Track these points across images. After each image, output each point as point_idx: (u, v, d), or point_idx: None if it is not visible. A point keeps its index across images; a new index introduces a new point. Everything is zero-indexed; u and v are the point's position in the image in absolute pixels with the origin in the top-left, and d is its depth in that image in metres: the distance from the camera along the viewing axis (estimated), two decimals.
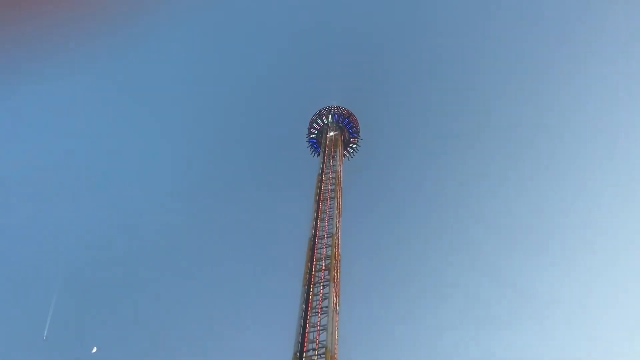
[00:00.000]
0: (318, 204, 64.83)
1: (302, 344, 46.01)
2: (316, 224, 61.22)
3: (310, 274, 54.05)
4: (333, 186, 68.78)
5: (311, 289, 52.07)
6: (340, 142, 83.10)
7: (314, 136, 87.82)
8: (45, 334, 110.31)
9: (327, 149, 79.97)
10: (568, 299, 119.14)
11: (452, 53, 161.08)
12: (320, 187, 68.32)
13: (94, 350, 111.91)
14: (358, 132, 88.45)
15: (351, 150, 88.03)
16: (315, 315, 49.64)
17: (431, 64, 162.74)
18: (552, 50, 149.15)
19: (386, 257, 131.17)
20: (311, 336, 47.42)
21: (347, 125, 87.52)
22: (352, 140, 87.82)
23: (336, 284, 54.03)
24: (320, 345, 46.31)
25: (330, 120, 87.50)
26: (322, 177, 71.14)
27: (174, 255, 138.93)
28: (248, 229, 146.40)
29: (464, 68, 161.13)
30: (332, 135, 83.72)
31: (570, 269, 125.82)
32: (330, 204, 65.05)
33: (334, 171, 72.38)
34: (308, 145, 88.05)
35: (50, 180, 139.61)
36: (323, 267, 55.24)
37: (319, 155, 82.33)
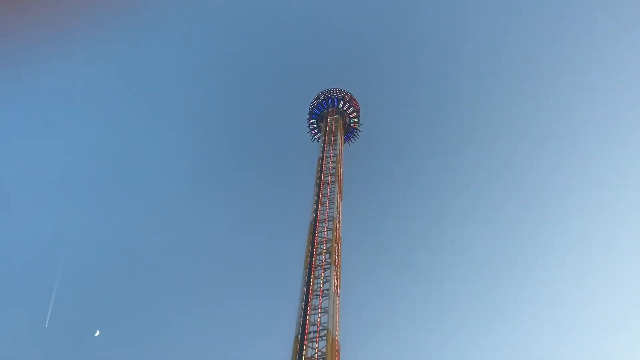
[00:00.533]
0: (319, 188, 65.01)
1: (303, 326, 46.51)
2: (317, 207, 61.45)
3: (311, 257, 54.43)
4: (334, 170, 68.87)
5: (312, 272, 52.48)
6: (340, 127, 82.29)
7: (314, 121, 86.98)
8: (46, 323, 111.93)
9: (327, 133, 79.85)
10: (568, 298, 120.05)
11: (449, 48, 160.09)
12: (320, 172, 68.42)
13: (97, 333, 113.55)
14: (359, 117, 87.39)
15: (352, 136, 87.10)
16: (316, 298, 50.11)
17: (427, 61, 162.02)
18: (552, 50, 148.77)
19: (386, 240, 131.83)
20: (312, 319, 47.93)
21: (348, 110, 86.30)
22: (352, 125, 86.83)
23: (337, 267, 54.42)
24: (321, 328, 46.85)
25: (330, 105, 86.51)
26: (322, 161, 71.19)
27: (176, 244, 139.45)
28: (250, 215, 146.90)
29: (459, 62, 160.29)
30: (332, 120, 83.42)
31: (569, 265, 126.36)
32: (330, 188, 65.20)
33: (335, 155, 72.38)
34: (308, 131, 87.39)
35: (50, 180, 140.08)
36: (324, 251, 55.60)
37: (319, 140, 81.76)
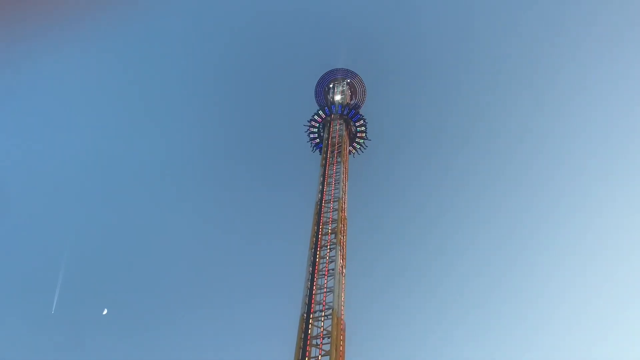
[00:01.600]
0: (324, 169, 65.40)
1: (309, 305, 47.52)
2: (322, 188, 61.97)
3: (317, 237, 55.21)
4: (339, 150, 69.15)
5: (318, 252, 53.35)
6: (345, 136, 73.82)
7: (315, 130, 78.10)
8: (53, 309, 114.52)
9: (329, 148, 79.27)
10: (570, 299, 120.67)
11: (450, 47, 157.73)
12: (326, 152, 68.74)
13: (105, 312, 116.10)
14: (365, 124, 78.08)
15: (358, 146, 78.11)
16: (322, 278, 51.07)
17: (428, 60, 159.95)
18: (553, 50, 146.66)
19: (386, 240, 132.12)
20: (318, 298, 48.95)
21: (353, 118, 77.65)
22: (358, 134, 78.08)
23: (342, 247, 55.22)
24: (327, 307, 47.87)
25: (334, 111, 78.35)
26: (328, 141, 71.45)
27: (176, 240, 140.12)
28: (257, 197, 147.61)
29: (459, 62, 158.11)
30: (339, 99, 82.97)
31: (569, 265, 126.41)
32: (336, 169, 65.58)
33: (340, 136, 72.49)
34: (308, 140, 78.40)
35: (50, 179, 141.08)
36: (329, 231, 56.36)
37: (320, 152, 72.79)
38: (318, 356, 43.16)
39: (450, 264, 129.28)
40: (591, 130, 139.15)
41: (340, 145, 70.67)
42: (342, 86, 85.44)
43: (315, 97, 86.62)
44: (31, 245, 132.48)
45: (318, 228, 56.33)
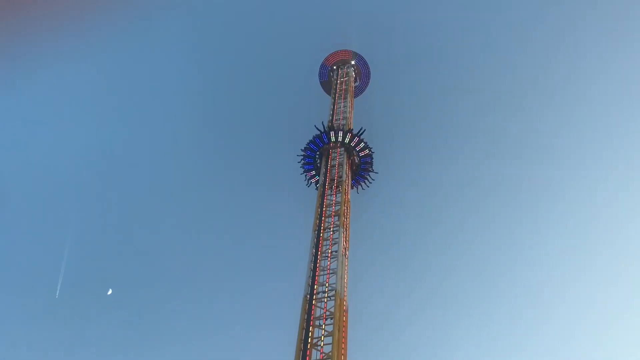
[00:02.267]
0: (327, 153, 65.13)
1: (312, 286, 47.82)
2: (326, 170, 61.90)
3: (320, 219, 55.40)
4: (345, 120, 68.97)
5: (321, 234, 53.55)
6: (347, 167, 63.96)
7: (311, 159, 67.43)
8: (57, 293, 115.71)
9: (337, 92, 79.08)
10: (574, 301, 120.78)
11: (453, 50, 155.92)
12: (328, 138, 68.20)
13: (109, 292, 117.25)
14: (370, 155, 67.10)
15: (362, 180, 67.76)
16: (325, 260, 51.36)
17: (429, 60, 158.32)
18: (561, 51, 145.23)
19: (386, 239, 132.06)
20: (321, 279, 49.24)
21: (356, 146, 65.91)
22: (362, 168, 67.28)
23: (345, 229, 55.44)
24: (329, 288, 48.21)
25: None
26: (332, 118, 71.22)
27: (184, 214, 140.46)
28: (258, 180, 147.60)
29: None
30: (345, 72, 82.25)
31: (570, 266, 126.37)
32: (340, 152, 65.29)
33: (344, 118, 72.16)
34: (302, 172, 68.25)
35: (50, 174, 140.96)
36: (333, 213, 56.49)
37: (317, 183, 64.06)
38: (321, 337, 43.55)
39: (455, 259, 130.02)
40: (594, 131, 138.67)
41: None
42: (347, 68, 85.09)
43: (319, 77, 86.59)
44: (33, 234, 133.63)
45: (321, 210, 56.43)
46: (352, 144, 65.85)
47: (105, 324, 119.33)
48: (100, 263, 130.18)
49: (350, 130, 67.49)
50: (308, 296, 46.88)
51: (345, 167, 62.94)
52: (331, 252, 52.02)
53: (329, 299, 47.15)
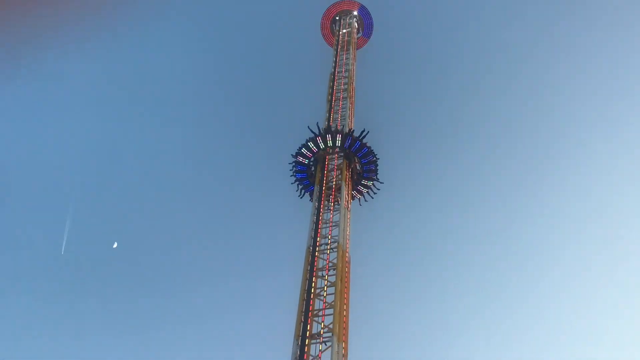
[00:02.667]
0: (330, 104, 64.52)
1: (315, 238, 48.52)
2: (328, 124, 61.40)
3: (322, 173, 55.66)
4: (345, 86, 68.00)
5: (323, 188, 53.90)
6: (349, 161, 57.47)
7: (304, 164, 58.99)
8: (62, 249, 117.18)
9: (339, 44, 77.68)
10: (572, 298, 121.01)
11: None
12: (332, 87, 67.52)
13: (115, 245, 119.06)
14: (374, 160, 58.77)
15: (364, 190, 60.35)
16: (327, 212, 51.96)
17: (430, 59, 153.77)
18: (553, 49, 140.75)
19: (386, 238, 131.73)
20: (324, 232, 49.99)
21: (358, 153, 57.87)
22: (365, 178, 59.53)
23: (347, 184, 55.77)
24: (332, 240, 49.03)
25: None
26: (334, 75, 70.18)
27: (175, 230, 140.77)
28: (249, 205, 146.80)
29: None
30: (345, 32, 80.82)
31: (573, 266, 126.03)
32: (342, 104, 64.82)
33: (347, 70, 71.07)
34: (293, 182, 60.08)
35: (50, 178, 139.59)
36: (335, 167, 56.62)
37: (311, 195, 56.87)
38: (324, 287, 44.63)
39: (449, 267, 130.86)
40: (596, 128, 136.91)
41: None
42: (350, 18, 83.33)
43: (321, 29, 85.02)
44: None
45: (323, 166, 56.55)
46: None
47: (112, 276, 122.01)
48: (101, 262, 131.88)
49: (351, 133, 58.21)
50: (311, 248, 47.70)
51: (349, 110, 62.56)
52: (334, 204, 52.56)
53: (331, 250, 48.03)
